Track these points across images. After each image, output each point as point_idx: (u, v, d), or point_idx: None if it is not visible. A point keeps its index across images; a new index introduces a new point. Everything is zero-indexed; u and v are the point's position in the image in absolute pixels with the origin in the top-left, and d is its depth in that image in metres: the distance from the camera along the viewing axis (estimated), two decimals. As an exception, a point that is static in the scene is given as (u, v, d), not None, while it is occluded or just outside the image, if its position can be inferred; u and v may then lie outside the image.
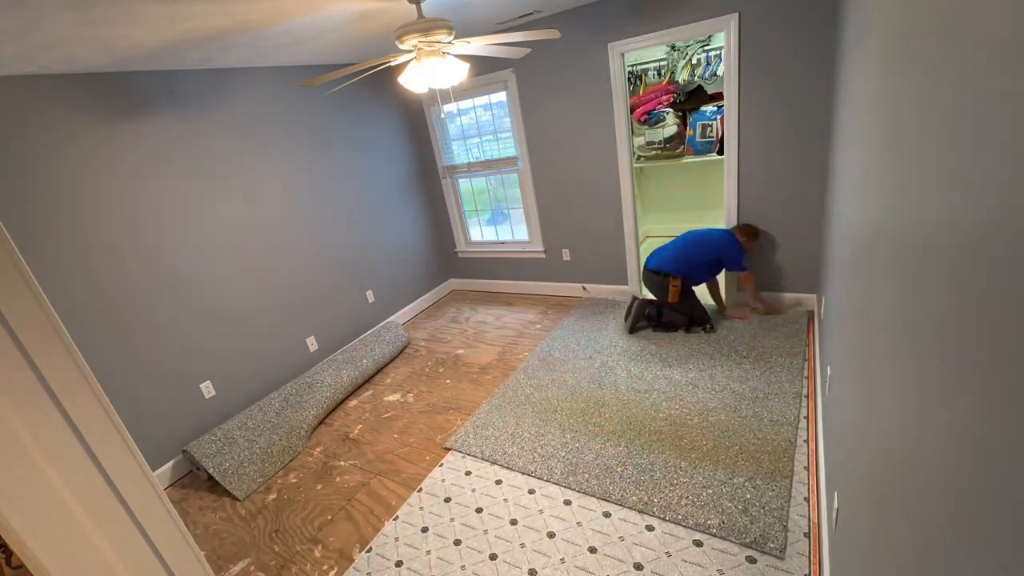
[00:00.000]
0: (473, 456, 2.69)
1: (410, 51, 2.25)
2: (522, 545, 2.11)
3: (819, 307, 3.02)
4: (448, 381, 3.51)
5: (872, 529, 1.03)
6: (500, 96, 4.17)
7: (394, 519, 2.38)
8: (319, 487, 2.69)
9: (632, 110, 4.83)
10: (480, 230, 5.02)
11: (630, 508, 2.17)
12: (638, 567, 1.91)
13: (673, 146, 4.87)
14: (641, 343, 3.48)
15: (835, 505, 1.59)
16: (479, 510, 2.34)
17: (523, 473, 2.50)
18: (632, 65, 4.92)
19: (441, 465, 2.68)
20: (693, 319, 3.47)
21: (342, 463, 2.85)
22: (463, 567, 2.06)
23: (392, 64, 2.36)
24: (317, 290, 3.86)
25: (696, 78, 4.65)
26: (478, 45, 2.39)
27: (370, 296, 4.33)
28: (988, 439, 0.48)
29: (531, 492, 2.38)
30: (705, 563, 1.88)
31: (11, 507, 0.76)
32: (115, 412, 0.88)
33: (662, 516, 2.10)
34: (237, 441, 2.87)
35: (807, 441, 2.34)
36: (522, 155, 4.21)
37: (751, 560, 1.85)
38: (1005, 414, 0.44)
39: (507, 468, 2.56)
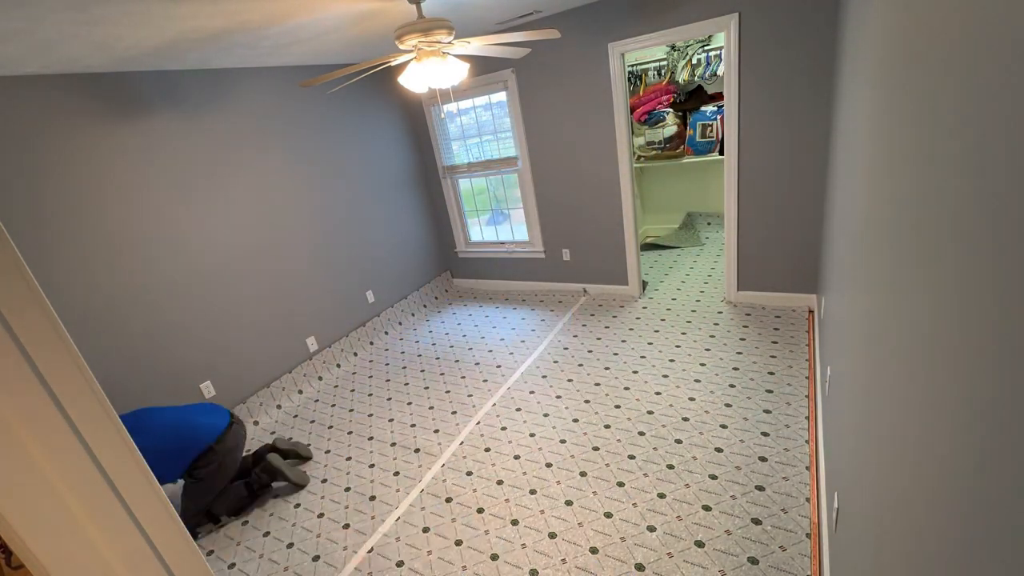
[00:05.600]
0: (475, 457, 2.69)
1: (410, 51, 2.25)
2: (523, 545, 2.11)
3: (819, 307, 3.02)
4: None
5: (872, 529, 1.02)
6: (500, 96, 4.17)
7: (396, 519, 2.38)
8: (319, 487, 2.68)
9: (632, 110, 4.84)
10: (480, 230, 5.01)
11: (631, 508, 2.17)
12: (639, 568, 1.91)
13: (673, 146, 4.88)
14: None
15: (835, 505, 1.59)
16: (480, 510, 2.34)
17: (524, 472, 2.50)
18: (632, 65, 4.93)
19: (443, 465, 2.68)
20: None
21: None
22: (464, 567, 2.06)
23: (392, 64, 2.36)
24: (317, 290, 3.86)
25: (696, 78, 4.66)
26: (478, 45, 2.39)
27: (370, 296, 4.33)
28: (988, 439, 0.48)
29: (532, 493, 2.38)
30: (707, 564, 1.87)
31: (11, 507, 0.76)
32: (115, 412, 0.88)
33: (664, 516, 2.10)
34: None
35: (807, 441, 2.34)
36: (522, 155, 4.21)
37: (752, 561, 1.85)
38: (1006, 414, 0.44)
39: (508, 470, 2.56)
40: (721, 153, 4.54)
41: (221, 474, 2.45)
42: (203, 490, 2.43)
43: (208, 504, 2.49)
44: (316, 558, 2.27)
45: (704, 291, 4.07)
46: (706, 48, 4.50)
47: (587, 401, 2.96)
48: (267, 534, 2.47)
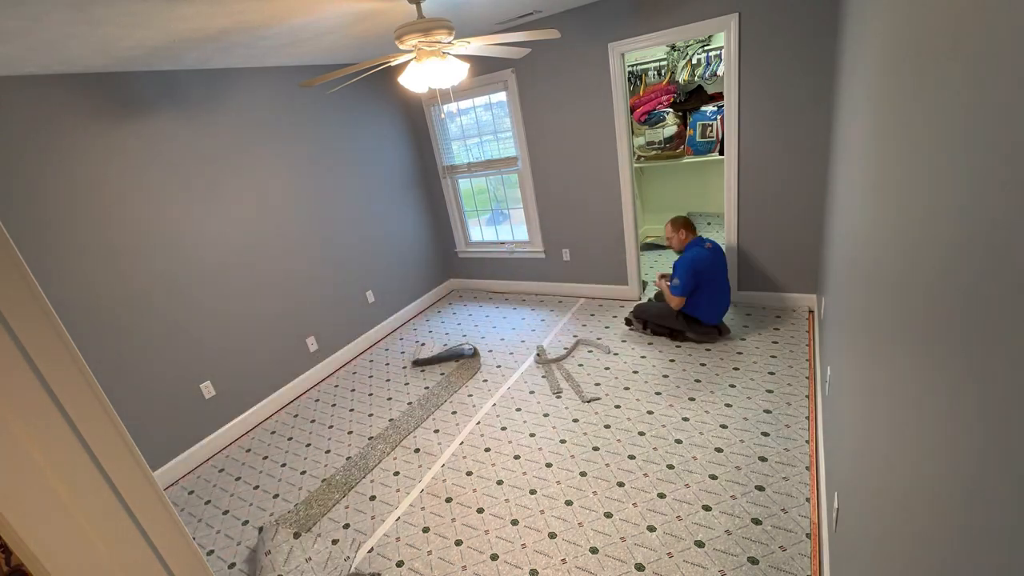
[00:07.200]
0: (475, 457, 2.69)
1: (410, 51, 2.25)
2: (523, 546, 2.11)
3: (819, 307, 3.02)
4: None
5: (872, 529, 1.02)
6: (500, 96, 4.17)
7: (396, 519, 2.38)
8: (319, 487, 2.68)
9: (632, 110, 4.84)
10: (480, 230, 5.01)
11: (631, 507, 2.17)
12: (639, 568, 1.91)
13: (673, 146, 4.87)
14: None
15: (835, 505, 1.59)
16: (480, 510, 2.34)
17: (524, 472, 2.50)
18: (632, 65, 4.92)
19: (443, 465, 2.68)
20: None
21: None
22: (464, 567, 2.06)
23: (392, 64, 2.36)
24: (317, 290, 3.86)
25: (696, 78, 4.66)
26: (478, 45, 2.39)
27: (370, 296, 4.33)
28: (987, 440, 0.48)
29: (532, 493, 2.38)
30: (707, 564, 1.87)
31: (10, 507, 0.76)
32: (115, 412, 0.88)
33: (664, 516, 2.10)
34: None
35: (808, 441, 2.34)
36: (522, 155, 4.21)
37: (753, 561, 1.85)
38: (1003, 414, 0.44)
39: (508, 470, 2.56)
40: (721, 153, 4.54)
41: (669, 318, 3.37)
42: (656, 311, 3.46)
43: (649, 317, 3.50)
44: (316, 558, 2.26)
45: (704, 291, 4.07)
46: (706, 48, 4.49)
47: (587, 401, 2.96)
48: (267, 534, 2.47)
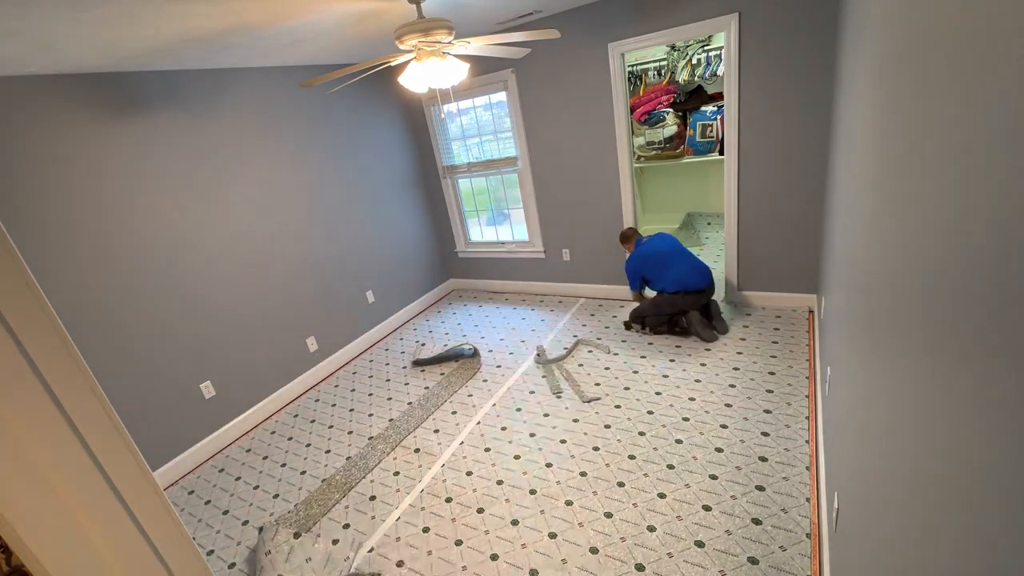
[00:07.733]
0: (475, 457, 2.69)
1: (410, 51, 2.25)
2: (523, 546, 2.11)
3: (819, 307, 3.02)
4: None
5: (873, 529, 1.02)
6: (500, 96, 4.17)
7: (396, 519, 2.38)
8: (319, 487, 2.68)
9: (632, 110, 4.84)
10: (480, 230, 5.01)
11: (632, 507, 2.17)
12: (640, 568, 1.91)
13: (673, 146, 4.87)
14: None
15: (835, 505, 1.59)
16: (480, 510, 2.34)
17: (524, 472, 2.50)
18: (632, 65, 4.93)
19: (443, 465, 2.68)
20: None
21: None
22: (464, 567, 2.06)
23: (392, 64, 2.36)
24: (317, 290, 3.86)
25: (696, 78, 4.66)
26: (478, 45, 2.39)
27: (370, 296, 4.33)
28: (988, 440, 0.48)
29: (532, 493, 2.38)
30: (707, 564, 1.87)
31: (10, 507, 0.76)
32: (115, 412, 0.88)
33: (664, 516, 2.10)
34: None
35: (808, 441, 2.34)
36: (522, 155, 4.21)
37: (753, 561, 1.85)
38: (1004, 415, 0.44)
39: (508, 470, 2.56)
40: (721, 153, 4.54)
41: (658, 306, 3.43)
42: (647, 306, 3.49)
43: (644, 314, 3.52)
44: (316, 558, 2.26)
45: (704, 291, 4.06)
46: (706, 48, 4.50)
47: (587, 401, 2.96)
48: (267, 534, 2.46)
